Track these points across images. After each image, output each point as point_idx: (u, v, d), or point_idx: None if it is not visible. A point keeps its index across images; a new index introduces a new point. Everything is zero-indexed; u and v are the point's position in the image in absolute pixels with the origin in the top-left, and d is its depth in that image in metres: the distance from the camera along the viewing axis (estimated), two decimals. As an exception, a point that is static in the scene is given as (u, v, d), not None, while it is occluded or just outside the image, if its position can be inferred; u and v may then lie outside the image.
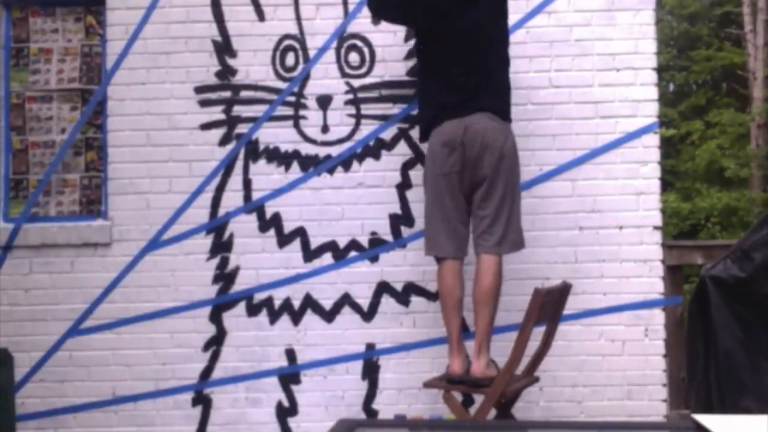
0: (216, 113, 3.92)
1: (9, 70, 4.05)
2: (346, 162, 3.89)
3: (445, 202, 3.31)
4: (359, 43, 3.92)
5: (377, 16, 3.78)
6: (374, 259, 3.87)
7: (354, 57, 3.92)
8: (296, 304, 3.86)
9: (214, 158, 3.91)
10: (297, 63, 3.93)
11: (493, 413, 3.18)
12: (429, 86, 3.44)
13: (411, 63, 3.89)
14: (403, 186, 3.88)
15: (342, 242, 3.87)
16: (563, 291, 3.38)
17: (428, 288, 3.83)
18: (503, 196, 3.27)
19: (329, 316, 3.86)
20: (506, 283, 3.80)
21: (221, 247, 3.89)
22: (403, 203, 3.87)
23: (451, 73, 3.34)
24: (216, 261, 3.89)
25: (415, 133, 3.87)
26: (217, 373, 3.86)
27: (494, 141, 3.26)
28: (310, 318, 3.86)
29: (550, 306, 3.22)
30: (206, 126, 3.92)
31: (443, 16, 3.36)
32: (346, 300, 3.86)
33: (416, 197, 3.85)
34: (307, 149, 3.90)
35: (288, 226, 3.89)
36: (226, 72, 3.93)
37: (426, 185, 3.43)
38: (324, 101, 3.89)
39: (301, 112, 3.91)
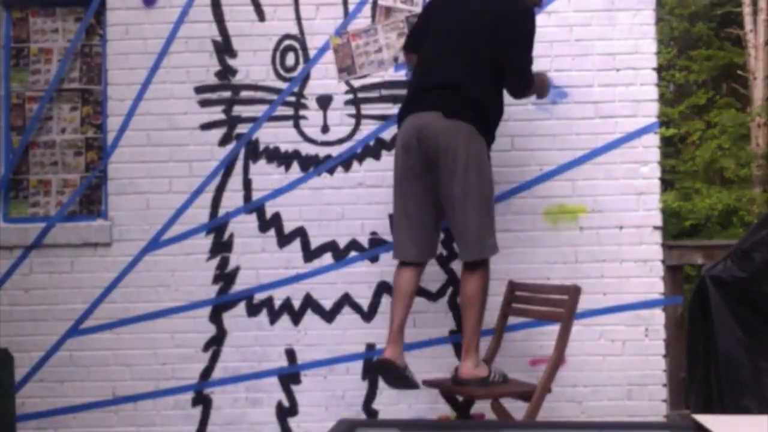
0: (216, 113, 3.92)
1: (9, 70, 4.05)
2: (346, 162, 3.89)
3: (409, 204, 3.27)
4: (359, 43, 3.91)
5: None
6: (374, 259, 3.87)
7: (354, 57, 3.91)
8: (296, 304, 3.86)
9: (214, 158, 3.91)
10: (297, 63, 3.92)
11: None
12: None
13: (411, 63, 3.89)
14: (403, 186, 3.87)
15: (342, 242, 3.87)
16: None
17: (428, 288, 3.82)
18: (467, 202, 3.15)
19: (329, 316, 3.86)
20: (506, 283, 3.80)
21: (221, 247, 3.89)
22: (403, 203, 3.87)
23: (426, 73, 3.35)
24: (216, 261, 3.89)
25: (415, 133, 3.87)
26: (217, 373, 3.85)
27: (450, 142, 3.14)
28: (310, 318, 3.86)
29: None
30: (206, 126, 3.92)
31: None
32: (346, 300, 3.86)
33: (416, 197, 3.85)
34: (307, 149, 3.90)
35: (288, 226, 3.88)
36: (226, 72, 3.92)
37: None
38: (324, 101, 3.89)
39: (301, 112, 3.91)
